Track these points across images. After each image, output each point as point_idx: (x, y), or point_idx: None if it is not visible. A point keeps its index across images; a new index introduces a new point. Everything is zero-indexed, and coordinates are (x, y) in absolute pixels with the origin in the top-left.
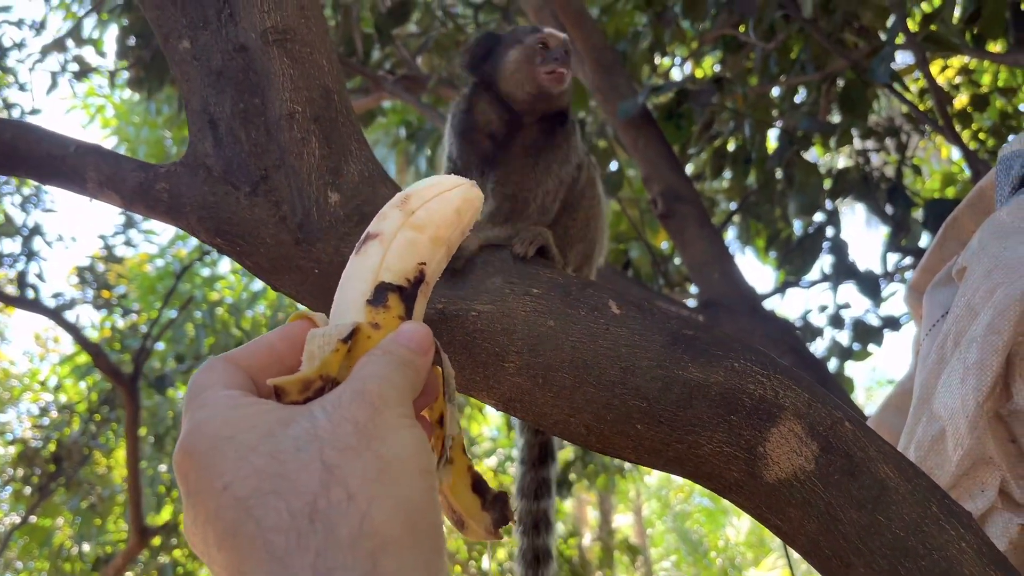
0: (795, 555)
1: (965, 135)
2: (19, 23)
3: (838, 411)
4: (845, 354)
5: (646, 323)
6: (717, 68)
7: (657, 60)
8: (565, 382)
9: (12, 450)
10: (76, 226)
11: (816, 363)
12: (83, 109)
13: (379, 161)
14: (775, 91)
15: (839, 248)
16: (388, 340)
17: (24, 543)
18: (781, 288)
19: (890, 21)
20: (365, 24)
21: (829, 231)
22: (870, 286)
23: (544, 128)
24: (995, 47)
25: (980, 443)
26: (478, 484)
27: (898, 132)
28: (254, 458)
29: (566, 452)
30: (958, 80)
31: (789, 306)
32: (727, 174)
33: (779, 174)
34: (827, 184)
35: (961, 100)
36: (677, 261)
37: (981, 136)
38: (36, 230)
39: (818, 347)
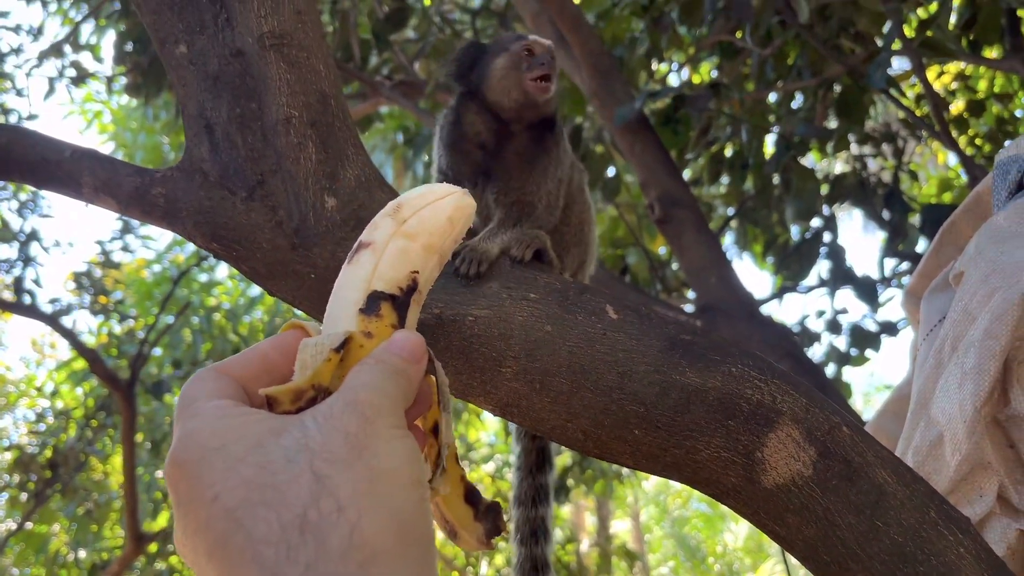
0: (793, 560)
1: (961, 140)
2: (16, 28)
3: (836, 416)
4: (843, 359)
5: (643, 328)
6: (714, 74)
7: (654, 66)
8: (562, 387)
9: (8, 456)
10: (73, 231)
11: (814, 368)
12: (80, 114)
13: (376, 166)
14: (772, 96)
15: (836, 253)
16: (380, 349)
17: (20, 549)
18: (778, 293)
19: (886, 27)
20: (363, 30)
21: (826, 236)
22: (867, 291)
23: (533, 135)
24: (991, 53)
25: (978, 448)
26: (471, 494)
27: (895, 137)
28: (243, 469)
29: (564, 458)
30: (954, 86)
31: (786, 311)
32: (724, 179)
33: (776, 179)
34: (824, 189)
35: (957, 105)
36: (674, 266)
37: (977, 141)
38: (33, 235)
39: (816, 352)
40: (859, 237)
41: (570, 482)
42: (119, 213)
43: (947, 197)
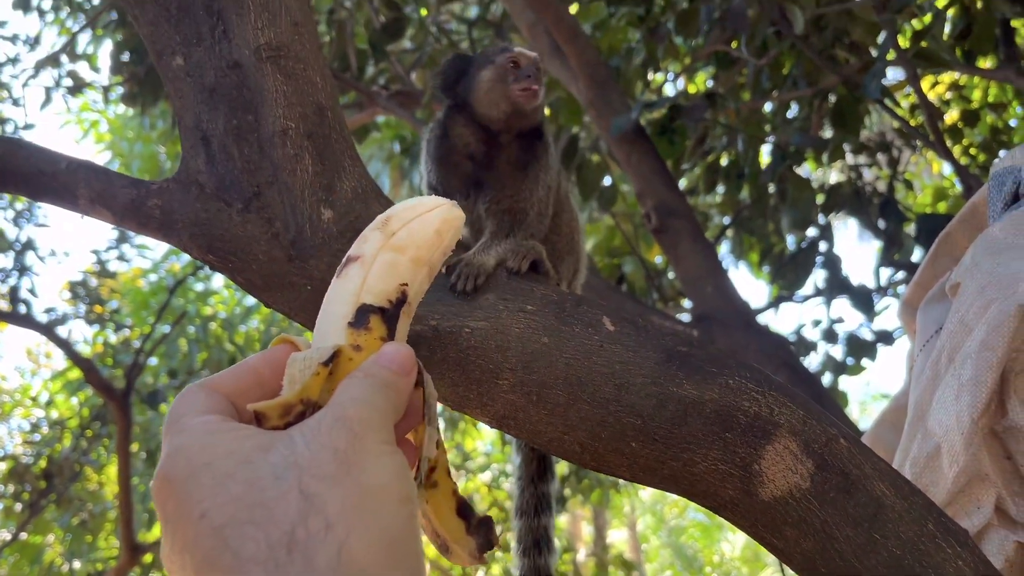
0: (791, 572)
1: (956, 150)
2: (13, 38)
3: (833, 428)
4: (839, 369)
5: (640, 340)
6: (710, 84)
7: (650, 76)
8: (559, 399)
9: (3, 466)
10: (69, 241)
11: (810, 378)
12: (77, 124)
13: (373, 177)
14: (767, 106)
15: (832, 262)
16: (369, 362)
17: (14, 560)
18: (775, 302)
19: (881, 37)
20: (359, 40)
21: (822, 246)
22: (863, 300)
23: (522, 144)
24: (985, 63)
25: (975, 460)
26: (463, 508)
27: (890, 147)
28: (232, 485)
29: (560, 467)
30: (949, 96)
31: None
32: (720, 189)
33: (772, 189)
34: (820, 199)
35: (952, 115)
36: (671, 275)
37: (972, 151)
38: (29, 245)
39: (812, 361)
40: (855, 246)
41: (567, 491)
42: (115, 225)
43: (942, 206)
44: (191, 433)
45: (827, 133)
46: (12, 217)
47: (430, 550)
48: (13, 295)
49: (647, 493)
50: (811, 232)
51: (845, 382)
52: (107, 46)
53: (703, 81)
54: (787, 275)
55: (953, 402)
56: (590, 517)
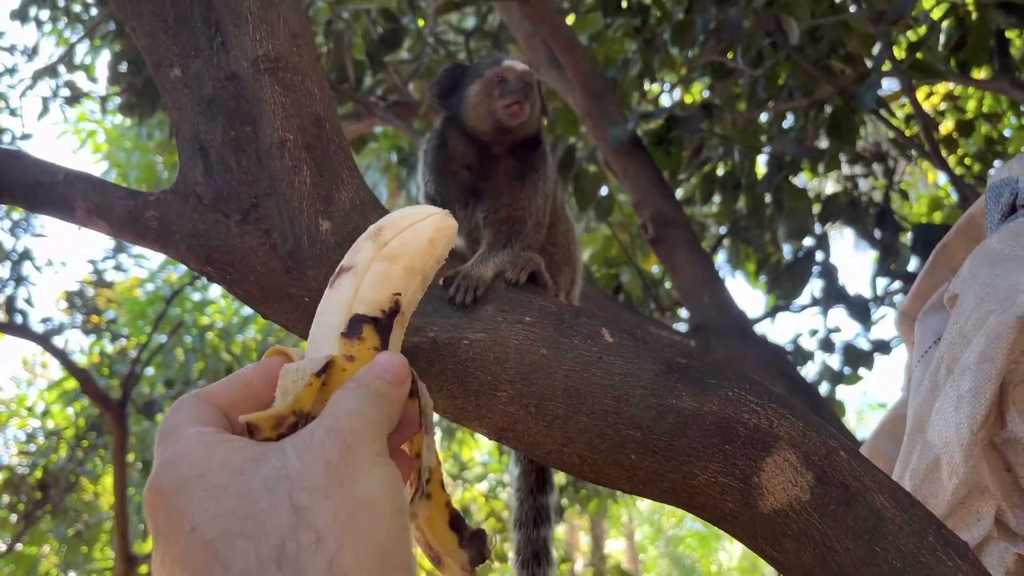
0: None
1: (951, 160)
2: (11, 49)
3: (832, 440)
4: (836, 378)
5: (639, 351)
6: (706, 94)
7: (646, 86)
8: (558, 411)
9: None
10: (66, 250)
11: (807, 388)
12: (74, 134)
13: (370, 186)
14: (763, 117)
15: (829, 272)
16: (362, 372)
17: (10, 571)
18: (771, 312)
19: (875, 48)
20: (357, 51)
21: (818, 255)
22: (860, 310)
23: (520, 154)
24: (980, 74)
25: (975, 472)
26: (456, 521)
27: (885, 157)
28: (223, 498)
29: (558, 477)
30: (943, 106)
31: (779, 330)
32: (716, 199)
33: (768, 199)
34: (816, 209)
35: (947, 126)
36: (668, 285)
37: (967, 161)
38: (26, 255)
39: (809, 371)
40: (851, 256)
41: (564, 501)
42: (112, 236)
43: (937, 216)
44: (183, 444)
45: (823, 143)
46: (9, 227)
47: (425, 562)
48: (10, 305)
49: (645, 503)
50: (807, 242)
51: (842, 391)
52: (105, 56)
53: (699, 91)
54: (784, 285)
55: (952, 413)
56: (587, 527)
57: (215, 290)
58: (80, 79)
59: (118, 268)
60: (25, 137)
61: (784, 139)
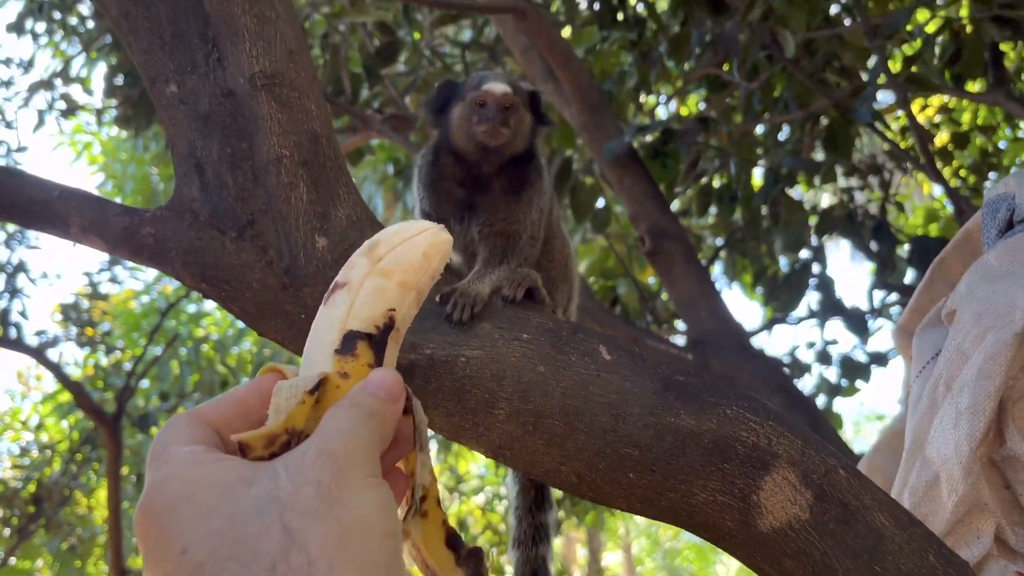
0: None
1: (946, 172)
2: (7, 61)
3: (832, 458)
4: (833, 390)
5: (637, 369)
6: (702, 106)
7: (643, 99)
8: (556, 429)
9: None
10: (61, 263)
11: (805, 401)
12: (70, 146)
13: (366, 199)
14: (759, 129)
15: (825, 285)
16: (356, 390)
17: None
18: (768, 324)
19: (870, 61)
20: (353, 64)
21: (815, 268)
22: (857, 322)
23: (514, 169)
24: (974, 86)
25: (975, 489)
26: (452, 539)
27: (881, 170)
28: (213, 520)
29: (555, 490)
30: (939, 118)
31: (776, 342)
32: (713, 211)
33: (764, 211)
34: (812, 221)
35: (942, 138)
36: (664, 297)
37: (962, 173)
38: (20, 267)
39: (806, 383)
40: (847, 268)
41: (561, 514)
42: (108, 253)
43: (933, 228)
44: (174, 464)
45: (819, 156)
46: (4, 239)
47: None
48: (4, 318)
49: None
50: (804, 254)
51: (839, 403)
52: (101, 69)
53: (695, 104)
54: (780, 297)
55: (951, 431)
56: (584, 540)
57: (210, 303)
58: (76, 91)
59: (113, 280)
60: (21, 149)
61: (780, 151)
